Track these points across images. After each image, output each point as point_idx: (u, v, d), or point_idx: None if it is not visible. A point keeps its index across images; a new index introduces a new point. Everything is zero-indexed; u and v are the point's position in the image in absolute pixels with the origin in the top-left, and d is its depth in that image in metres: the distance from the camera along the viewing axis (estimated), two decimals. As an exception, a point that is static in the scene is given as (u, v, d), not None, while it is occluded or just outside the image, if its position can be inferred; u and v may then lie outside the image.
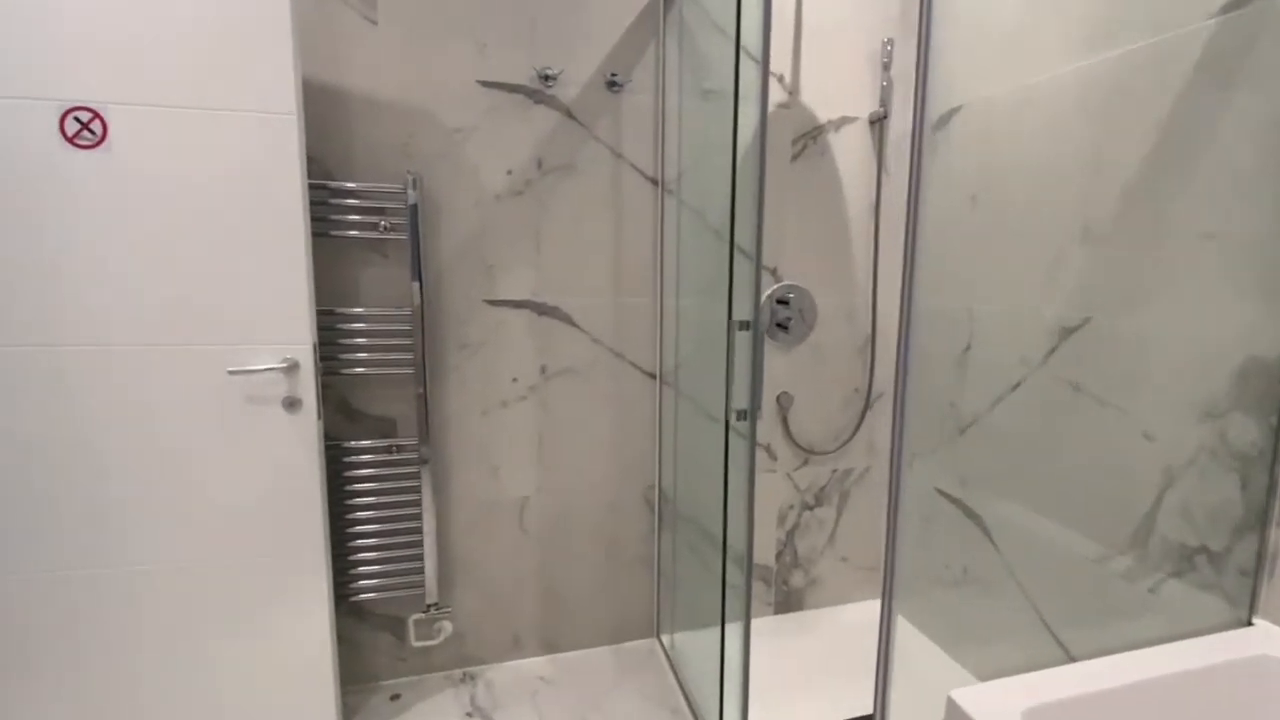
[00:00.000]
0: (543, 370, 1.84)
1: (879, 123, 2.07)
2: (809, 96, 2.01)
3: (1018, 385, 1.74)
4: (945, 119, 2.00)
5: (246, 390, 1.38)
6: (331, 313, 1.61)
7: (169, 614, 1.42)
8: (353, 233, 1.61)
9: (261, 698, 1.49)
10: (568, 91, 1.76)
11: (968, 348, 1.92)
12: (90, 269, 1.29)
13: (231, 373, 1.35)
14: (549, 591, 1.92)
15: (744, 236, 1.36)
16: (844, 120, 2.04)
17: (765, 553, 2.17)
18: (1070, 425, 1.59)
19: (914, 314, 0.96)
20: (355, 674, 1.78)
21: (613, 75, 1.78)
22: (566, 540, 1.92)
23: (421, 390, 1.66)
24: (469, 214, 1.72)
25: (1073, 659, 1.56)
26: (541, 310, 1.81)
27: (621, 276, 1.87)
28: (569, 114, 1.77)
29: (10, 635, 1.35)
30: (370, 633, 1.78)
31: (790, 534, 2.18)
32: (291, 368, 1.39)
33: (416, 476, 1.70)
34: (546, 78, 1.71)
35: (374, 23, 1.59)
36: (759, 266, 1.30)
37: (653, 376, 1.94)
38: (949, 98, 1.98)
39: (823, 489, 2.17)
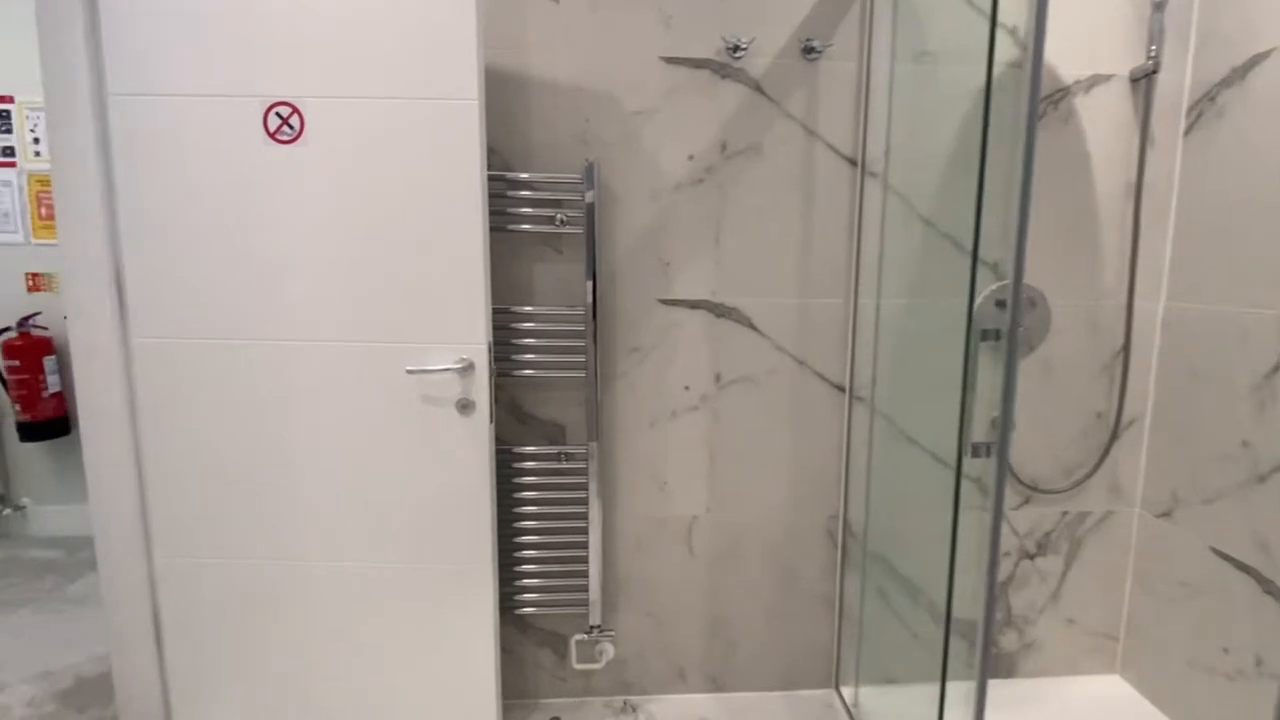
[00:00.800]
0: (717, 378, 1.65)
1: (1144, 80, 1.64)
2: (1051, 51, 1.63)
3: (1371, 423, 1.27)
4: (1241, 71, 1.53)
5: (422, 390, 1.34)
6: (505, 311, 1.54)
7: (338, 610, 1.42)
8: (528, 227, 1.53)
9: (425, 702, 1.46)
10: (757, 63, 1.55)
11: (1276, 368, 1.46)
12: (286, 264, 1.30)
13: (410, 372, 1.31)
14: (717, 623, 1.74)
15: (989, 229, 1.08)
16: (1096, 79, 1.64)
17: (968, 604, 1.82)
18: None
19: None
20: (516, 688, 1.72)
21: (809, 41, 1.54)
22: (737, 568, 1.72)
23: (593, 395, 1.54)
24: (646, 205, 1.58)
25: None
26: (719, 311, 1.63)
27: (810, 273, 1.63)
28: (758, 88, 1.56)
29: (200, 614, 1.42)
30: (532, 647, 1.70)
31: (1003, 586, 1.81)
32: (466, 369, 1.32)
33: (584, 488, 1.59)
34: (735, 49, 1.52)
35: (555, 0, 1.49)
36: (1020, 261, 1.01)
37: (842, 390, 1.68)
38: (1248, 42, 1.51)
39: (1048, 535, 1.78)
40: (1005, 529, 1.79)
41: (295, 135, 1.24)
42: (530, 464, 1.60)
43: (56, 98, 1.23)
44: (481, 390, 1.33)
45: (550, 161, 1.54)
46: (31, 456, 2.69)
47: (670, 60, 1.53)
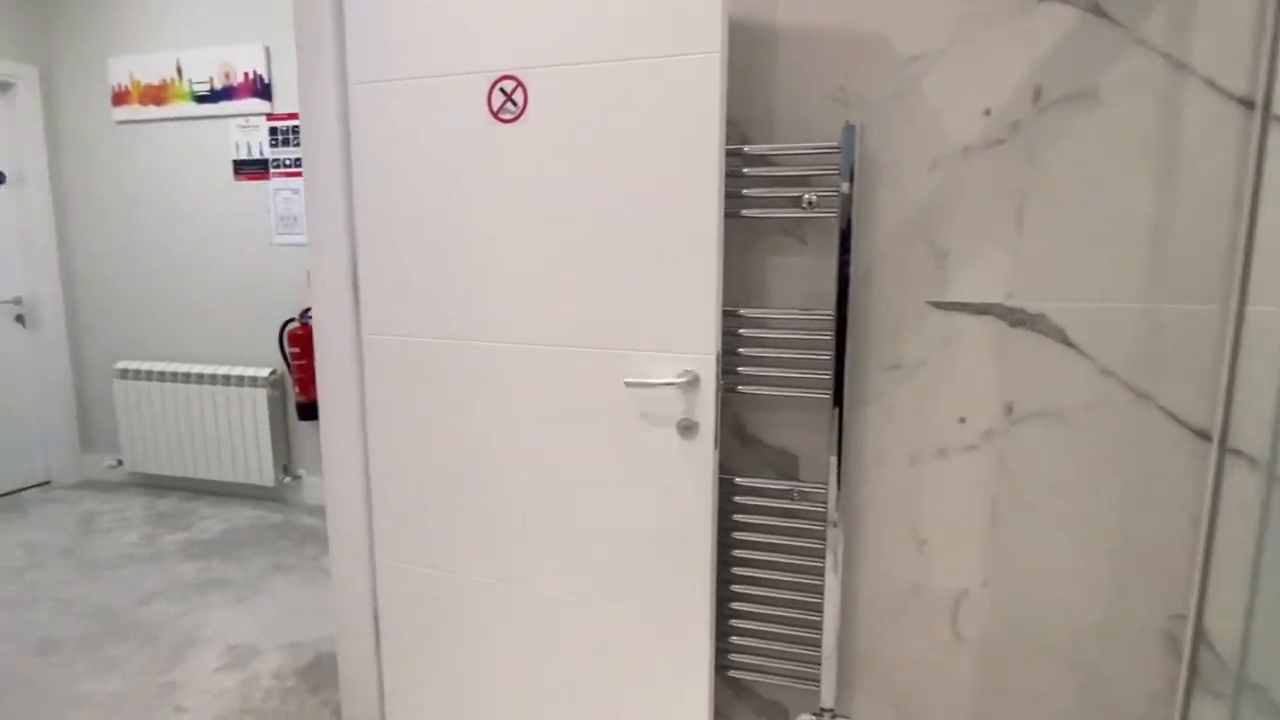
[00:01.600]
0: (1008, 410, 1.24)
1: None
2: None
3: None
4: None
5: (640, 406, 1.14)
6: (732, 314, 1.30)
7: (538, 640, 1.29)
8: (760, 212, 1.27)
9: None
10: (1097, -25, 1.11)
11: None
12: (505, 258, 1.19)
13: (629, 384, 1.12)
14: (989, 732, 1.32)
15: None
16: None
17: None
18: None
19: None
20: (722, 755, 1.48)
21: (1185, -66, 1.07)
22: (1020, 664, 1.29)
23: (837, 421, 1.23)
24: (919, 178, 1.22)
25: None
26: (1016, 319, 1.22)
27: (1165, 268, 1.15)
28: (1095, 8, 1.12)
29: (410, 619, 1.38)
30: (749, 715, 1.45)
31: None
32: (691, 383, 1.10)
33: (820, 535, 1.29)
34: (1065, -42, 1.10)
35: (813, -70, 1.20)
36: None
37: (1207, 438, 1.16)
38: None
39: None
40: None
41: (518, 113, 1.12)
42: (755, 499, 1.34)
43: (308, 96, 1.25)
44: (707, 409, 1.10)
45: (797, 129, 1.26)
46: (308, 432, 3.09)
47: (965, -15, 1.16)
